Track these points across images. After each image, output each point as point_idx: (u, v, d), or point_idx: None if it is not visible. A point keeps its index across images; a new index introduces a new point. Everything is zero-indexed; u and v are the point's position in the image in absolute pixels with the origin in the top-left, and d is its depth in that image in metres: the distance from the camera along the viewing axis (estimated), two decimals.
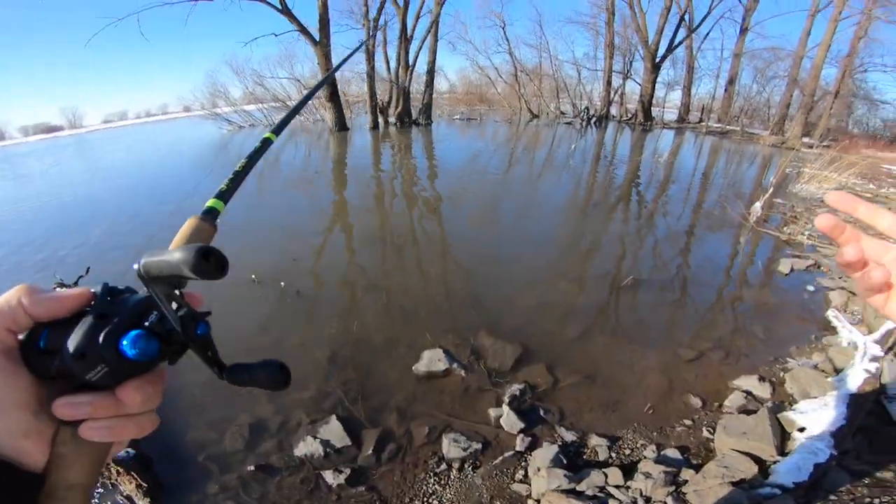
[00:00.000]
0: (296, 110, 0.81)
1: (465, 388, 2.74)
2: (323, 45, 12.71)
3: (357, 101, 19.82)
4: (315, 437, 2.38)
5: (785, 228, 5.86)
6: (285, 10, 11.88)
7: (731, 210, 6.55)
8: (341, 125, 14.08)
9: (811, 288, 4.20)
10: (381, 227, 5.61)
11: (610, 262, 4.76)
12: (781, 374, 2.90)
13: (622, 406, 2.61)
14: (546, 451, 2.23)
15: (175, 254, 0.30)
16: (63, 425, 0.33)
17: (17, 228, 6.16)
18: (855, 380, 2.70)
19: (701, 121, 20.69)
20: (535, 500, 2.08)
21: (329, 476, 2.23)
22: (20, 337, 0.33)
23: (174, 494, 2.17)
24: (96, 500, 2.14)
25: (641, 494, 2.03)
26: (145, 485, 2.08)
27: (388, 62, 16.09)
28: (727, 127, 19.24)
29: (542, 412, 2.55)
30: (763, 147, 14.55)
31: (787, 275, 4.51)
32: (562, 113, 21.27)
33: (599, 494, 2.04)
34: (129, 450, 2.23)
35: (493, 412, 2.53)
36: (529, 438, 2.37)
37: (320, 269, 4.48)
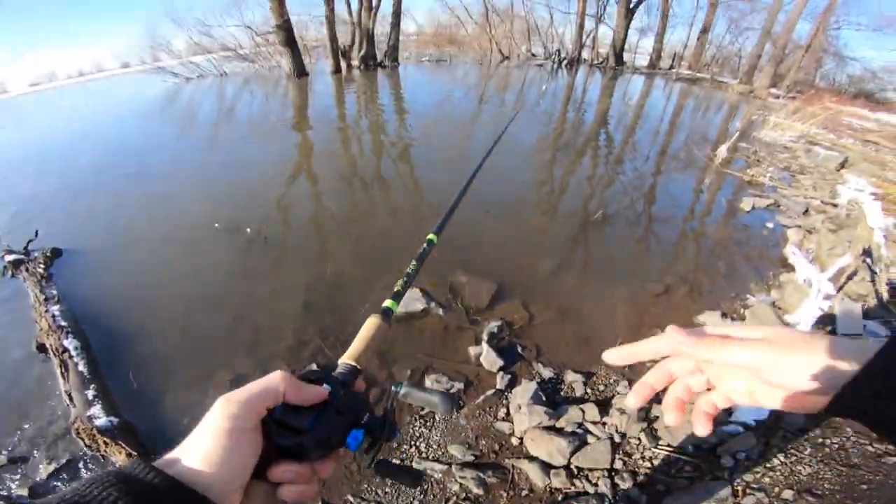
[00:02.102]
0: (455, 206, 0.89)
1: (444, 327, 2.74)
2: None
3: (316, 45, 18.38)
4: None
5: (748, 170, 6.02)
6: None
7: (698, 152, 6.65)
8: (300, 71, 13.01)
9: (770, 225, 4.39)
10: (350, 170, 5.34)
11: (579, 200, 4.78)
12: (742, 310, 3.01)
13: (595, 341, 2.69)
14: (525, 389, 2.27)
15: (435, 398, 0.50)
16: (259, 481, 0.39)
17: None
18: (809, 319, 2.75)
19: (672, 67, 20.53)
20: (519, 438, 2.14)
21: None
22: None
23: None
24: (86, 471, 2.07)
25: (617, 430, 2.10)
26: (135, 453, 2.00)
27: (349, 4, 14.83)
28: (697, 74, 19.23)
29: (519, 349, 2.58)
30: (731, 95, 14.68)
31: (748, 212, 4.68)
32: (533, 55, 20.55)
33: (578, 430, 2.10)
34: (113, 419, 2.15)
35: (472, 350, 2.55)
36: (509, 376, 2.41)
37: (288, 215, 4.26)
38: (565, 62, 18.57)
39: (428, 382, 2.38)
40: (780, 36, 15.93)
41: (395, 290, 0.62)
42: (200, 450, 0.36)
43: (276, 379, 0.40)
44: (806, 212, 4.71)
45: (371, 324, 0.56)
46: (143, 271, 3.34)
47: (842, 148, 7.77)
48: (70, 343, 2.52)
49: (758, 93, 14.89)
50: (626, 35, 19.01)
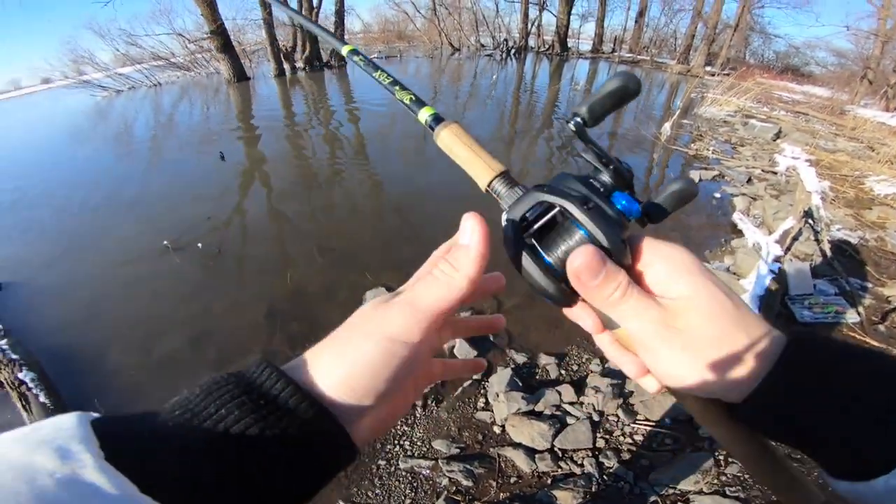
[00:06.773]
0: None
1: None
2: None
3: (256, 49, 17.63)
4: None
5: (692, 145, 6.30)
6: None
7: (645, 131, 6.89)
8: (240, 75, 12.44)
9: (718, 195, 4.60)
10: (303, 173, 5.13)
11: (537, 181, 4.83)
12: None
13: (563, 322, 2.68)
14: (501, 376, 2.25)
15: (611, 83, 0.36)
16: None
17: None
18: (762, 281, 2.80)
19: (613, 51, 21.31)
20: (500, 426, 2.12)
21: None
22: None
23: None
24: None
25: (595, 409, 2.12)
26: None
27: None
28: (637, 57, 20.01)
29: (491, 337, 2.56)
30: (670, 75, 15.35)
31: (696, 184, 4.90)
32: (482, 46, 20.71)
33: (557, 413, 2.11)
34: None
35: (444, 344, 2.51)
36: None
37: (241, 224, 4.05)
38: (513, 51, 18.84)
39: None
40: (710, 16, 16.85)
41: (410, 98, 0.50)
42: (349, 378, 0.30)
43: (461, 277, 0.31)
44: (749, 180, 4.98)
45: (456, 133, 0.42)
46: (92, 299, 3.10)
47: (775, 120, 8.29)
48: (26, 376, 2.40)
49: (694, 71, 15.67)
50: (568, 21, 19.51)
